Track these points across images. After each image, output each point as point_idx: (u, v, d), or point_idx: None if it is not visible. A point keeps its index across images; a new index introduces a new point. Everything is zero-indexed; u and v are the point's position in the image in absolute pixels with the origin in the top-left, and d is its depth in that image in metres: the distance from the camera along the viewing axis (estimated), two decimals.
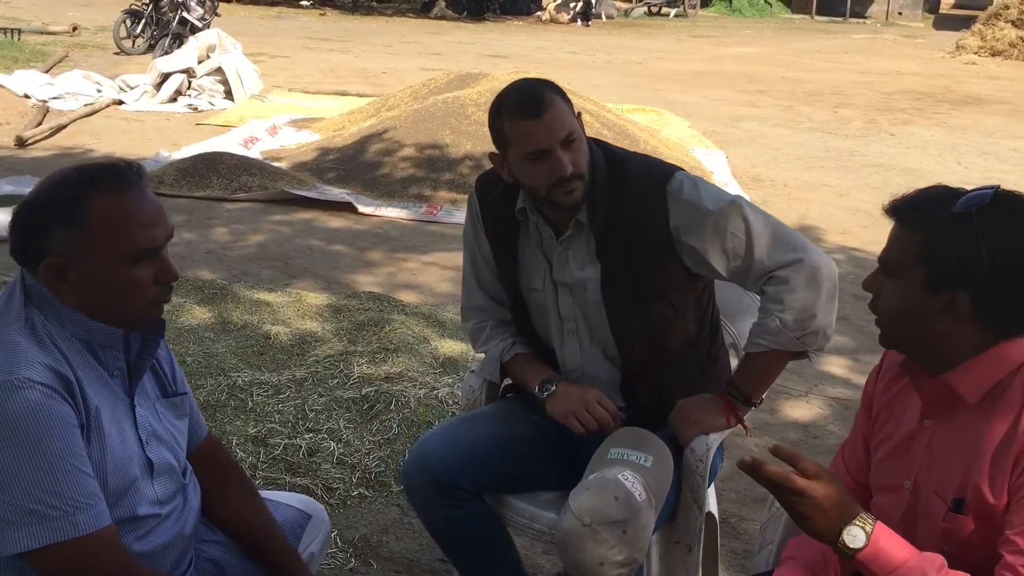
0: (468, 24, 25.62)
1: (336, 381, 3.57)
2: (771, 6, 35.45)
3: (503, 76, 8.55)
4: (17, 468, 1.37)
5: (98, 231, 1.46)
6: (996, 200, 1.35)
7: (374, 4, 28.73)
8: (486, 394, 2.23)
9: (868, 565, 1.36)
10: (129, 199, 1.49)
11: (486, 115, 7.76)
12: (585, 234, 2.00)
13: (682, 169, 1.99)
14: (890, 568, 1.34)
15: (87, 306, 1.49)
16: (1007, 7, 23.40)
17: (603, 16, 28.68)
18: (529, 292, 2.11)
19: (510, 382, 2.23)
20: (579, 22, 27.68)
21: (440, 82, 8.72)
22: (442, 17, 26.56)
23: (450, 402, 3.48)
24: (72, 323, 1.49)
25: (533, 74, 8.48)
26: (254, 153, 7.58)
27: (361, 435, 3.22)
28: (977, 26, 23.81)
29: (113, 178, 1.49)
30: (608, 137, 7.17)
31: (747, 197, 2.05)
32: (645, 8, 32.70)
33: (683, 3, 32.62)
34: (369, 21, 24.65)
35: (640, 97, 12.12)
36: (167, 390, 1.69)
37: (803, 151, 9.32)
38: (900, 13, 35.83)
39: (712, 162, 8.39)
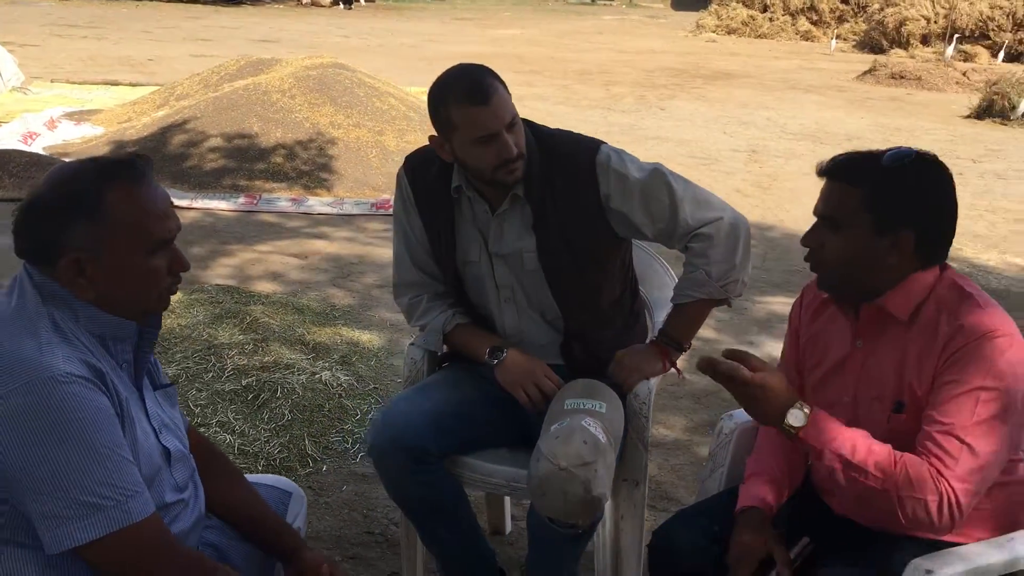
0: (226, 8, 24.66)
1: (212, 375, 3.52)
2: None
3: (297, 61, 8.46)
4: (69, 462, 1.36)
5: (118, 224, 1.46)
6: (918, 156, 1.66)
7: None
8: (427, 365, 2.34)
9: (809, 441, 1.63)
10: (144, 190, 1.49)
11: (291, 101, 7.67)
12: (520, 207, 2.16)
13: (605, 142, 2.19)
14: (827, 439, 1.62)
15: (104, 300, 1.49)
16: None
17: (362, 0, 28.49)
18: (465, 265, 2.24)
19: (445, 351, 2.36)
20: (341, 5, 27.36)
21: (231, 69, 8.48)
22: (196, 1, 25.36)
23: (334, 384, 3.54)
24: (87, 318, 1.48)
25: (315, 60, 8.44)
26: (36, 149, 7.06)
27: (254, 424, 3.21)
28: (713, 7, 25.81)
29: (128, 170, 1.48)
30: (416, 122, 7.31)
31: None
32: None
33: None
34: (118, 6, 23.12)
35: (424, 80, 12.21)
36: (156, 381, 1.69)
37: (588, 127, 9.85)
38: None
39: None
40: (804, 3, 23.79)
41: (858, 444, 1.62)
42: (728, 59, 17.83)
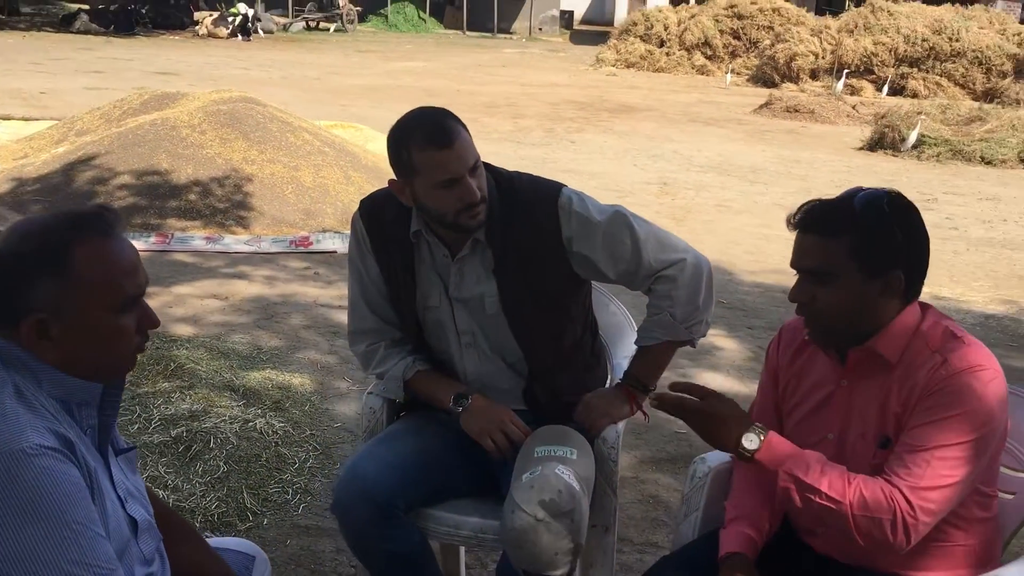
0: (119, 39, 23.96)
1: (137, 427, 3.35)
2: (425, 22, 36.74)
3: (204, 95, 8.25)
4: (42, 541, 1.25)
5: (86, 281, 1.36)
6: (891, 197, 1.70)
7: (3, 18, 25.89)
8: (387, 414, 2.27)
9: (764, 463, 1.66)
10: (113, 245, 1.40)
11: (201, 136, 7.48)
12: (481, 251, 2.12)
13: (565, 185, 2.17)
14: (781, 460, 1.65)
15: (69, 362, 1.38)
16: (635, 24, 26.23)
17: (261, 31, 28.13)
18: (425, 310, 2.19)
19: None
20: (239, 37, 26.93)
21: (134, 103, 8.21)
22: (86, 32, 24.59)
23: (270, 432, 3.41)
24: (51, 383, 1.38)
25: (224, 94, 8.26)
26: None
27: (188, 478, 3.06)
28: (612, 41, 26.45)
29: (96, 224, 1.39)
30: (332, 156, 7.21)
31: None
32: (303, 23, 32.52)
33: (341, 18, 32.85)
34: (3, 36, 22.19)
35: (331, 113, 12.15)
36: (116, 446, 1.59)
37: (501, 160, 9.75)
38: (540, 29, 38.72)
39: None
40: (699, 39, 24.57)
41: (812, 465, 1.64)
42: (630, 92, 18.22)
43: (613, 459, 2.13)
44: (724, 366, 4.45)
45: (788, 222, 1.76)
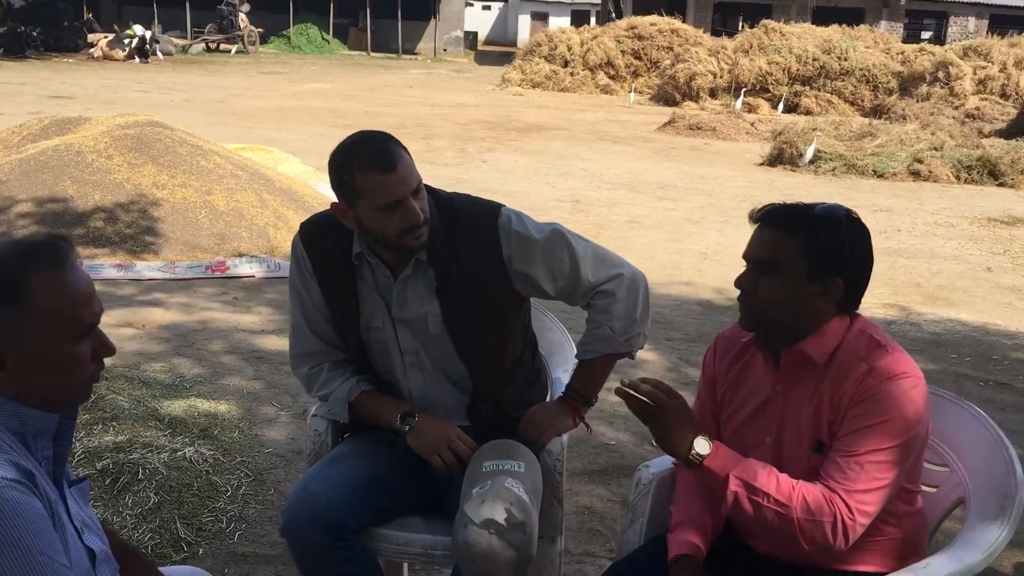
0: (9, 62, 23.14)
1: None
2: (329, 43, 36.52)
3: (108, 120, 8.04)
4: (10, 572, 1.24)
5: (42, 311, 1.35)
6: (849, 213, 1.80)
7: None
8: (331, 436, 2.28)
9: (714, 469, 1.75)
10: (67, 274, 1.39)
11: (108, 162, 7.30)
12: (424, 272, 2.15)
13: (504, 204, 2.22)
14: (731, 466, 1.74)
15: (25, 393, 1.37)
16: (539, 44, 26.62)
17: (160, 53, 27.53)
18: (369, 331, 2.21)
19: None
20: (136, 59, 26.31)
21: (34, 128, 7.94)
22: None
23: (199, 460, 3.35)
24: (7, 414, 1.36)
25: (129, 118, 8.07)
26: None
27: (118, 511, 2.99)
28: (517, 61, 26.78)
29: (50, 253, 1.38)
30: (245, 180, 7.12)
31: None
32: (203, 44, 31.94)
33: (242, 40, 32.39)
34: None
35: (238, 136, 11.97)
36: (68, 478, 1.56)
37: None
38: (445, 50, 38.95)
39: None
40: (601, 59, 25.09)
41: (759, 471, 1.74)
42: (537, 112, 18.47)
43: (559, 471, 2.19)
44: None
45: (750, 216, 1.85)
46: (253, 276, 6.01)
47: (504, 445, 2.13)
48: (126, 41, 26.51)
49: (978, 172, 11.54)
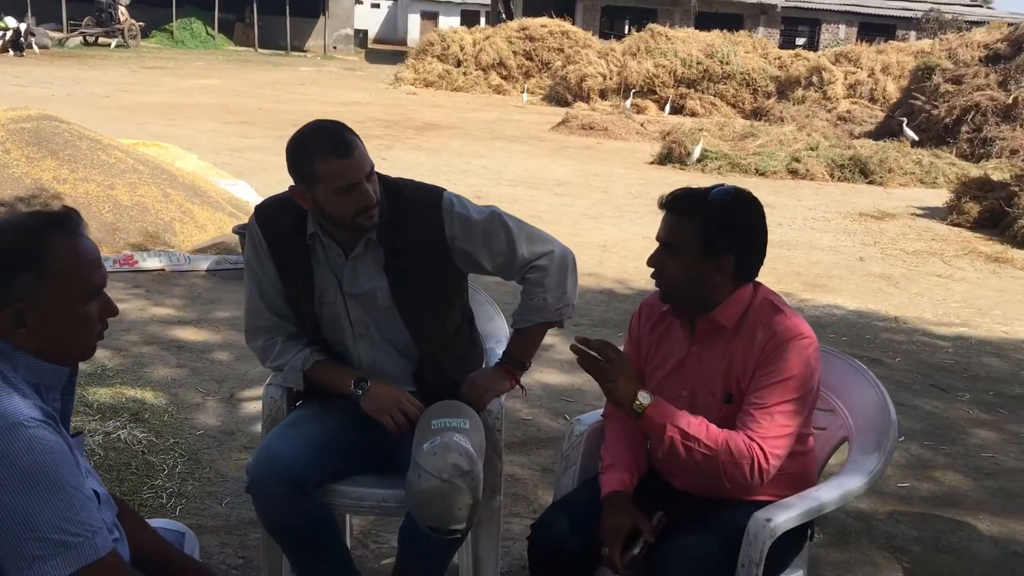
0: None
1: None
2: (214, 38, 35.74)
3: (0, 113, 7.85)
4: (42, 504, 1.39)
5: (59, 273, 1.50)
6: (736, 192, 2.08)
7: None
8: (286, 403, 2.45)
9: (655, 417, 2.00)
10: (81, 242, 1.54)
11: (6, 155, 7.25)
12: (373, 250, 2.35)
13: (446, 189, 2.44)
14: (669, 415, 2.00)
15: (41, 348, 1.51)
16: (432, 44, 26.77)
17: (35, 46, 26.47)
18: (322, 306, 2.39)
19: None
20: (11, 52, 25.25)
21: None
22: None
23: (134, 442, 3.45)
24: (25, 367, 1.50)
25: (22, 111, 7.90)
26: None
27: None
28: (410, 60, 26.85)
29: (65, 222, 1.53)
30: (147, 175, 7.10)
31: None
32: (81, 38, 30.85)
33: (122, 33, 31.43)
34: None
35: (129, 132, 11.73)
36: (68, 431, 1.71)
37: None
38: (335, 47, 38.61)
39: (240, 191, 8.64)
40: (494, 59, 25.44)
41: (691, 420, 2.01)
42: (432, 110, 18.65)
43: (498, 428, 2.42)
44: (555, 361, 4.83)
45: (659, 203, 2.11)
46: (163, 269, 6.03)
47: (450, 405, 2.34)
48: (0, 33, 25.39)
49: (850, 171, 12.33)
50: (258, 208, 2.43)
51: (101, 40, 31.04)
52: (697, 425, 2.00)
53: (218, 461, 3.47)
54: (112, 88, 18.37)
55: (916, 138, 14.83)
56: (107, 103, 15.68)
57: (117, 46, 30.60)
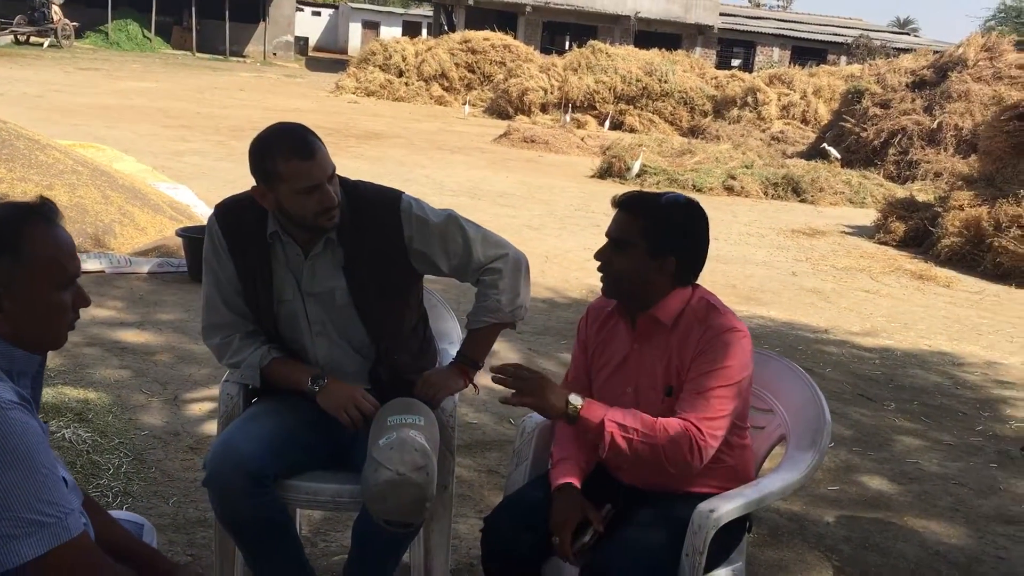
0: None
1: None
2: (151, 41, 35.17)
3: None
4: (17, 484, 1.41)
5: (36, 260, 1.53)
6: (687, 201, 2.19)
7: None
8: (243, 399, 2.48)
9: (589, 417, 2.09)
10: (57, 230, 1.58)
11: None
12: (332, 250, 2.40)
13: (404, 192, 2.51)
14: (603, 412, 2.09)
15: (15, 335, 1.54)
16: (374, 53, 26.74)
17: None
18: (280, 304, 2.43)
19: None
20: None
21: None
22: None
23: (79, 441, 3.43)
24: (0, 353, 1.53)
25: None
26: None
27: None
28: (351, 69, 26.77)
29: (42, 211, 1.56)
30: (87, 176, 7.01)
31: None
32: (12, 36, 30.08)
33: (56, 33, 30.74)
34: None
35: (64, 133, 11.50)
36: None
37: None
38: (275, 54, 38.30)
39: (180, 195, 8.56)
40: (436, 71, 25.53)
41: (626, 413, 2.11)
42: (373, 120, 18.63)
43: (452, 426, 2.49)
44: None
45: (612, 202, 2.22)
46: (102, 271, 5.95)
47: (405, 402, 2.40)
48: None
49: (783, 189, 12.69)
50: (218, 207, 2.47)
51: (33, 39, 30.28)
52: (632, 417, 2.09)
53: (164, 461, 3.47)
54: (45, 88, 17.98)
55: (838, 156, 15.37)
56: (41, 103, 15.34)
57: (50, 46, 29.90)
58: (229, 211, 2.44)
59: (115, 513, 2.06)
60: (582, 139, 16.63)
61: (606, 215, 2.24)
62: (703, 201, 2.27)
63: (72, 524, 1.49)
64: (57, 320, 1.60)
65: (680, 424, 2.09)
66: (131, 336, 4.84)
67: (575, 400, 2.10)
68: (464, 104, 23.44)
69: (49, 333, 1.61)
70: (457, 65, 25.73)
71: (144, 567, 1.85)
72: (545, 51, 29.88)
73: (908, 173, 14.81)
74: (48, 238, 1.56)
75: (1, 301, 1.52)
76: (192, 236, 5.88)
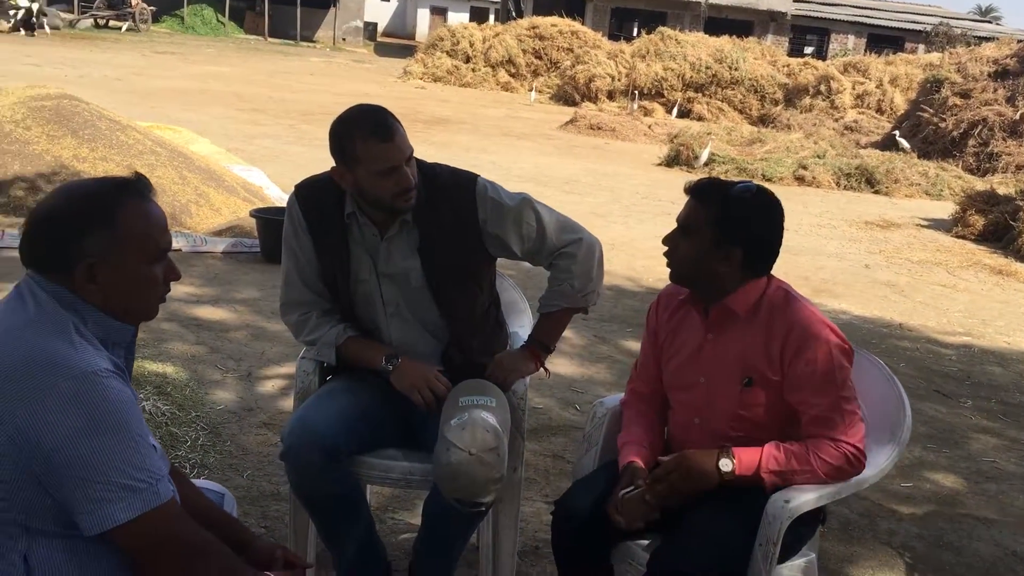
0: None
1: None
2: (224, 25, 35.79)
3: (18, 91, 7.92)
4: (112, 450, 1.46)
5: (129, 234, 1.58)
6: (759, 190, 2.16)
7: None
8: (318, 376, 2.53)
9: (744, 474, 2.07)
10: (150, 205, 1.62)
11: (27, 132, 7.34)
12: (408, 231, 2.42)
13: (479, 175, 2.52)
14: (755, 466, 2.07)
15: (109, 305, 1.59)
16: (442, 39, 26.84)
17: (46, 27, 26.51)
18: (356, 283, 2.47)
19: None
20: (22, 31, 25.29)
21: None
22: None
23: (158, 414, 3.53)
24: (94, 323, 1.58)
25: (41, 90, 7.99)
26: None
27: None
28: (419, 54, 26.91)
29: (137, 186, 1.61)
30: (165, 156, 7.17)
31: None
32: (92, 20, 30.91)
33: (134, 17, 31.47)
34: None
35: (143, 115, 11.78)
36: None
37: (327, 166, 10.03)
38: (344, 39, 38.67)
39: (253, 177, 8.71)
40: (503, 57, 25.51)
41: (775, 456, 2.08)
42: (440, 105, 18.71)
43: (522, 408, 2.50)
44: (568, 353, 4.92)
45: (685, 188, 2.20)
46: (179, 250, 6.10)
47: (477, 384, 2.42)
48: (11, 12, 25.44)
49: (856, 180, 12.42)
50: (298, 187, 2.51)
51: (112, 23, 31.08)
52: (783, 458, 2.08)
53: (238, 435, 3.55)
54: (124, 71, 18.44)
55: (908, 147, 14.96)
56: (119, 86, 15.74)
57: (128, 30, 30.65)
58: (309, 191, 2.48)
59: (197, 482, 2.12)
60: (649, 127, 16.49)
61: (672, 203, 2.25)
62: (772, 191, 2.22)
63: (163, 490, 1.54)
64: (149, 292, 1.65)
65: (832, 448, 2.08)
66: (207, 313, 4.96)
67: (725, 467, 2.08)
68: (530, 90, 23.40)
69: (141, 305, 1.65)
70: (524, 51, 25.69)
71: (225, 535, 1.91)
72: (613, 38, 29.65)
73: (988, 165, 14.37)
74: (142, 212, 1.61)
75: (96, 272, 1.56)
76: (266, 217, 5.99)
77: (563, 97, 22.50)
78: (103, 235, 1.56)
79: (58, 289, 1.56)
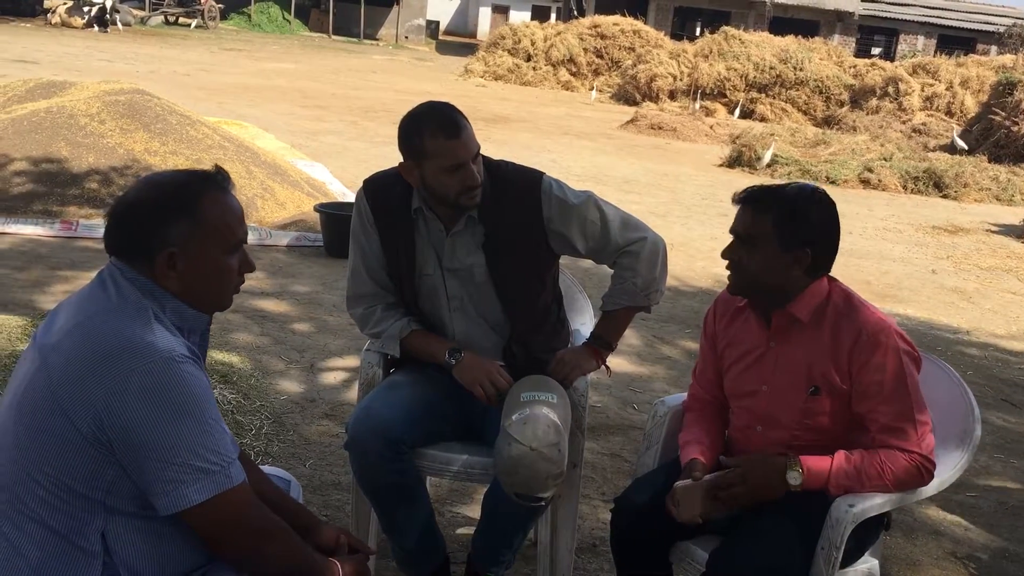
0: None
1: None
2: (290, 23, 36.35)
3: (94, 86, 8.16)
4: (189, 433, 1.51)
5: (209, 224, 1.63)
6: (817, 191, 2.14)
7: None
8: (382, 368, 2.57)
9: (814, 486, 2.05)
10: (230, 197, 1.67)
11: (101, 126, 7.51)
12: (473, 227, 2.45)
13: (545, 172, 2.53)
14: (825, 479, 2.06)
15: (186, 293, 1.64)
16: (503, 37, 26.90)
17: (119, 23, 27.21)
18: (421, 278, 2.50)
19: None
20: (95, 27, 25.98)
21: (18, 90, 8.02)
22: None
23: (224, 402, 3.61)
24: (172, 310, 1.63)
25: (115, 85, 8.21)
26: None
27: None
28: (480, 53, 27.02)
29: (218, 179, 1.66)
30: (232, 151, 7.31)
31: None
32: (162, 17, 31.62)
33: (202, 14, 32.12)
34: None
35: (210, 110, 12.03)
36: None
37: (388, 162, 10.15)
38: (407, 37, 38.99)
39: (316, 173, 8.85)
40: (564, 55, 25.47)
41: (844, 468, 2.06)
42: (501, 103, 18.77)
43: (583, 405, 2.51)
44: (626, 353, 4.91)
45: (733, 198, 2.18)
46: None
47: (539, 380, 2.44)
48: (85, 9, 26.17)
49: (924, 184, 12.15)
50: (366, 182, 2.55)
51: (181, 20, 31.78)
52: (853, 472, 2.05)
53: (301, 425, 3.62)
54: (192, 67, 18.84)
55: (966, 147, 14.61)
56: (188, 82, 16.09)
57: (196, 27, 31.30)
58: (376, 186, 2.52)
59: (264, 469, 2.18)
60: (711, 127, 16.33)
61: (733, 205, 2.20)
62: (837, 194, 2.22)
63: (235, 473, 1.58)
64: (225, 282, 1.70)
65: (904, 459, 2.06)
66: (271, 305, 5.05)
67: (794, 479, 2.06)
68: (591, 89, 23.34)
69: (217, 294, 1.70)
70: (585, 50, 25.62)
71: (292, 520, 1.95)
72: (675, 37, 29.40)
73: None
74: (221, 203, 1.65)
75: (176, 261, 1.61)
76: (329, 212, 6.09)
77: (624, 96, 22.39)
78: (185, 224, 1.61)
79: (138, 277, 1.61)
